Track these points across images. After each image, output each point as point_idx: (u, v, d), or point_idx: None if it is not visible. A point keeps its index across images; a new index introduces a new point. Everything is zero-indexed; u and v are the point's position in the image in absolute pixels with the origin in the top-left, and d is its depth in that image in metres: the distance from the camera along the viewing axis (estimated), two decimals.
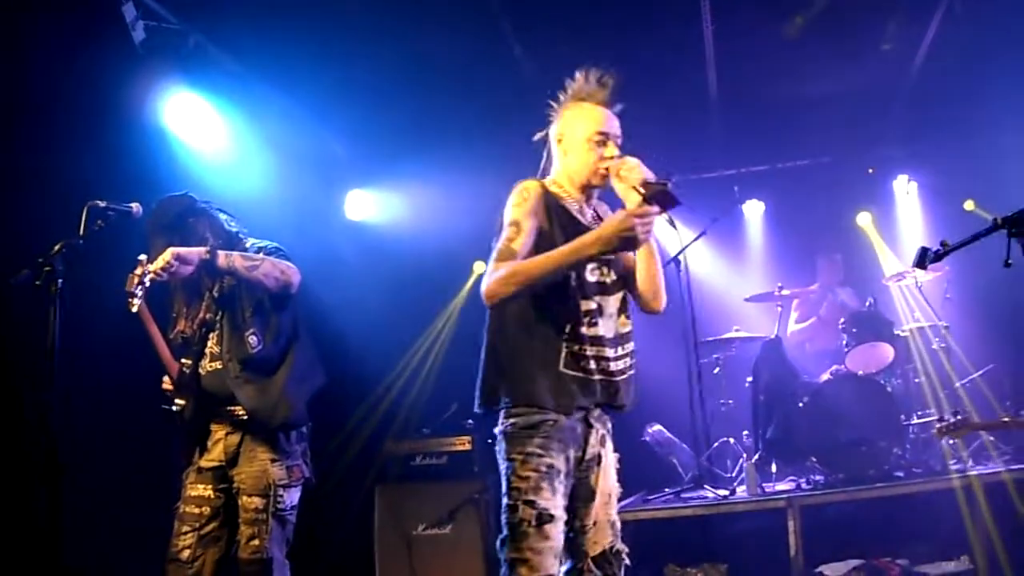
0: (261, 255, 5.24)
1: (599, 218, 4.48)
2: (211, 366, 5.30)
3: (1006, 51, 9.01)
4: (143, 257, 4.97)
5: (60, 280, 4.64)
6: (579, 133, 4.41)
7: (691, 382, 9.37)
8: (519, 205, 4.19)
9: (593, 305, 4.27)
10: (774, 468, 9.17)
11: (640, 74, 9.29)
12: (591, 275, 4.30)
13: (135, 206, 5.10)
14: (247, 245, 5.37)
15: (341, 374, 6.59)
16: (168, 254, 4.90)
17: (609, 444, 4.46)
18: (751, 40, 9.26)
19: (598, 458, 4.35)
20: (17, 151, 6.29)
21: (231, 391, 5.21)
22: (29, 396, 5.66)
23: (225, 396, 5.24)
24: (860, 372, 9.00)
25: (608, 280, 4.38)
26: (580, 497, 4.28)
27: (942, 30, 9.12)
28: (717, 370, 10.28)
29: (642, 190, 4.03)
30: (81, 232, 4.84)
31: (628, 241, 3.99)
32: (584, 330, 4.20)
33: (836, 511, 8.41)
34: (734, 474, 9.48)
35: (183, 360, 5.36)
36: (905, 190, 11.77)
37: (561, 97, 4.53)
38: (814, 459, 8.57)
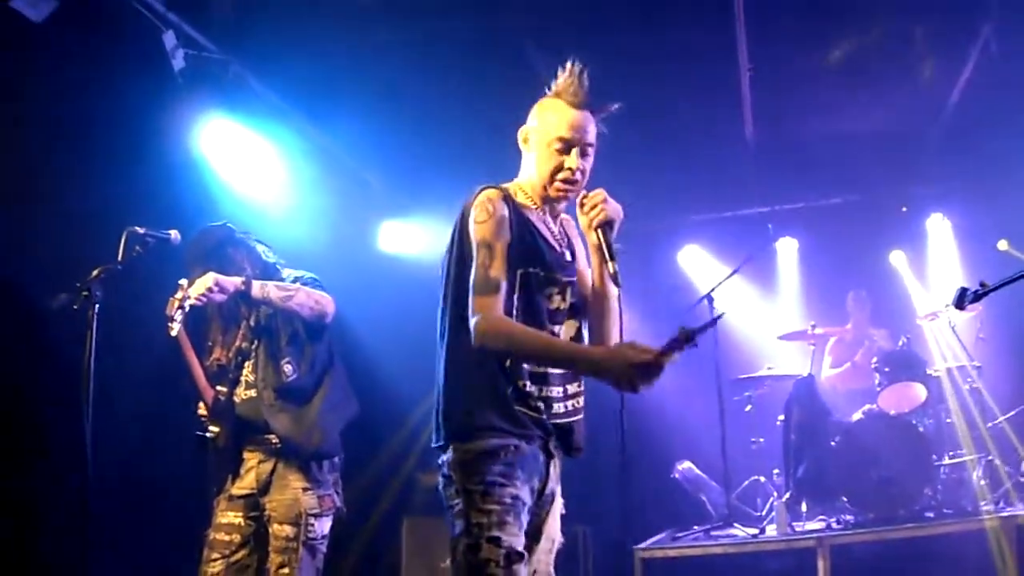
0: (297, 285, 5.28)
1: (566, 235, 4.01)
2: (246, 394, 5.33)
3: None
4: (183, 282, 5.01)
5: (97, 305, 4.68)
6: (541, 135, 3.83)
7: (722, 420, 9.33)
8: (485, 223, 3.64)
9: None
10: (804, 507, 9.11)
11: (678, 111, 9.41)
12: (549, 301, 3.82)
13: (174, 233, 5.14)
14: (284, 275, 5.40)
15: (373, 404, 6.59)
16: (209, 279, 4.95)
17: (559, 486, 3.94)
18: (787, 78, 9.27)
19: (552, 496, 3.88)
20: (57, 176, 6.34)
21: (265, 419, 5.23)
22: (64, 420, 5.67)
23: (259, 424, 5.26)
24: (892, 412, 8.94)
25: (564, 306, 3.88)
26: (527, 536, 3.66)
27: (977, 68, 9.11)
28: (749, 408, 10.25)
29: (669, 349, 3.38)
30: (120, 258, 4.87)
31: (622, 387, 3.41)
32: (526, 365, 3.68)
33: (866, 551, 8.34)
34: (764, 513, 9.43)
35: (218, 387, 5.39)
36: (939, 228, 11.71)
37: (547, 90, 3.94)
38: (845, 499, 8.51)
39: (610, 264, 3.70)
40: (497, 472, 3.54)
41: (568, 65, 3.84)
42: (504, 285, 3.59)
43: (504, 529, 3.48)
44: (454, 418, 3.67)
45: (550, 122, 3.80)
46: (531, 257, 3.72)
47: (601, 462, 8.60)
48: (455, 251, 3.76)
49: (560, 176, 3.77)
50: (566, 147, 3.75)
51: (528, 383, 3.68)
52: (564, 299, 3.86)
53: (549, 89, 3.89)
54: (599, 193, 3.78)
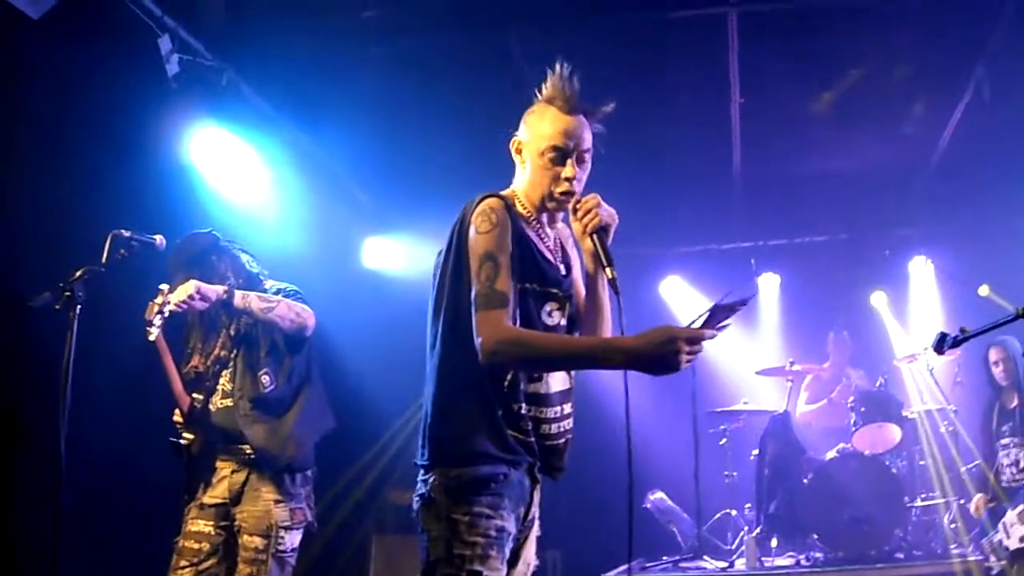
0: (279, 297, 5.26)
1: (561, 247, 3.83)
2: (222, 403, 5.31)
3: None
4: (165, 286, 4.98)
5: (79, 306, 4.67)
6: (534, 145, 3.65)
7: (696, 451, 9.34)
8: (488, 234, 3.44)
9: None
10: (775, 543, 9.14)
11: (666, 144, 9.44)
12: (549, 317, 3.65)
13: (159, 238, 5.12)
14: (267, 286, 5.39)
15: (350, 420, 6.58)
16: (191, 286, 4.93)
17: (539, 509, 3.78)
18: (777, 115, 9.32)
19: (532, 521, 3.73)
20: (46, 175, 6.32)
21: (240, 429, 5.21)
22: (41, 420, 5.66)
23: (234, 434, 5.24)
24: (867, 451, 8.98)
25: (562, 322, 3.72)
26: (506, 562, 3.52)
27: (967, 115, 9.16)
28: (724, 441, 10.25)
29: (705, 315, 3.38)
30: (104, 260, 4.86)
31: (665, 367, 3.30)
32: (523, 386, 3.53)
33: None
34: (734, 547, 9.45)
35: (195, 395, 5.36)
36: (921, 271, 11.76)
37: (534, 98, 3.77)
38: (816, 536, 8.54)
39: (608, 270, 3.57)
40: (485, 503, 3.39)
41: (556, 68, 3.67)
42: (512, 299, 3.40)
43: (486, 564, 3.35)
44: (444, 441, 3.49)
45: (543, 131, 3.62)
46: (529, 272, 3.56)
47: (573, 488, 8.60)
48: (452, 262, 3.56)
49: (557, 189, 3.61)
50: (561, 157, 3.59)
51: (523, 405, 3.52)
52: (563, 314, 3.71)
53: (538, 95, 3.73)
54: (593, 198, 3.63)
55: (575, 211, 3.64)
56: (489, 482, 3.41)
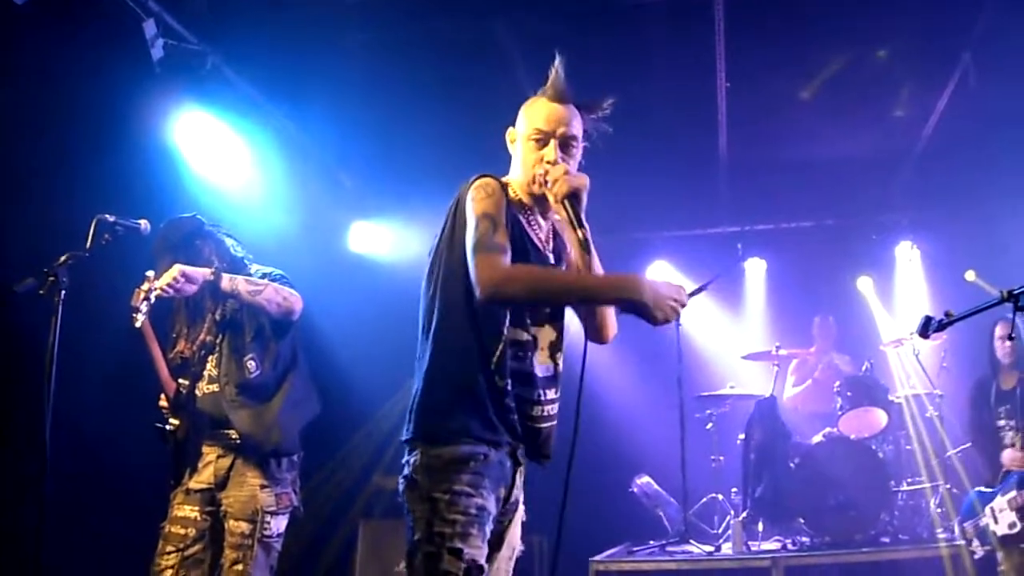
0: (265, 281, 5.26)
1: (555, 237, 3.88)
2: (208, 388, 5.31)
3: (1016, 124, 9.04)
4: (150, 273, 4.96)
5: (63, 291, 4.65)
6: (522, 131, 3.77)
7: (683, 436, 9.34)
8: (486, 199, 3.51)
9: (527, 336, 3.65)
10: (761, 527, 9.14)
11: (652, 128, 9.42)
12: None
13: (143, 223, 5.11)
14: (252, 271, 5.38)
15: (336, 405, 6.56)
16: (175, 270, 4.92)
17: (523, 493, 3.85)
18: (763, 100, 9.31)
19: (516, 504, 3.80)
20: (27, 158, 6.29)
21: (226, 414, 5.22)
22: (25, 405, 5.64)
23: (220, 419, 5.25)
24: (853, 436, 8.99)
25: (545, 311, 3.75)
26: (489, 544, 3.54)
27: (954, 100, 9.16)
28: (710, 426, 10.25)
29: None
30: (88, 245, 4.84)
31: (663, 314, 3.39)
32: (511, 363, 3.56)
33: (821, 573, 8.37)
34: (720, 531, 9.46)
35: (180, 380, 5.36)
36: (908, 256, 11.76)
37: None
38: (802, 520, 8.54)
39: (579, 231, 3.58)
40: (465, 481, 3.41)
41: (554, 64, 3.75)
42: (508, 252, 3.43)
43: (467, 541, 3.35)
44: (428, 415, 3.53)
45: (530, 118, 3.73)
46: (517, 255, 3.52)
47: (559, 471, 8.61)
48: (446, 232, 3.64)
49: (539, 171, 3.65)
50: (544, 139, 3.67)
51: (510, 383, 3.55)
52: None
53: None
54: (559, 167, 3.62)
55: (543, 183, 3.65)
56: (469, 461, 3.43)
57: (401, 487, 3.54)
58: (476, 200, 3.51)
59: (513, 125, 3.83)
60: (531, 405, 3.65)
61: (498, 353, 3.53)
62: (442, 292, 3.60)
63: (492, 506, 3.50)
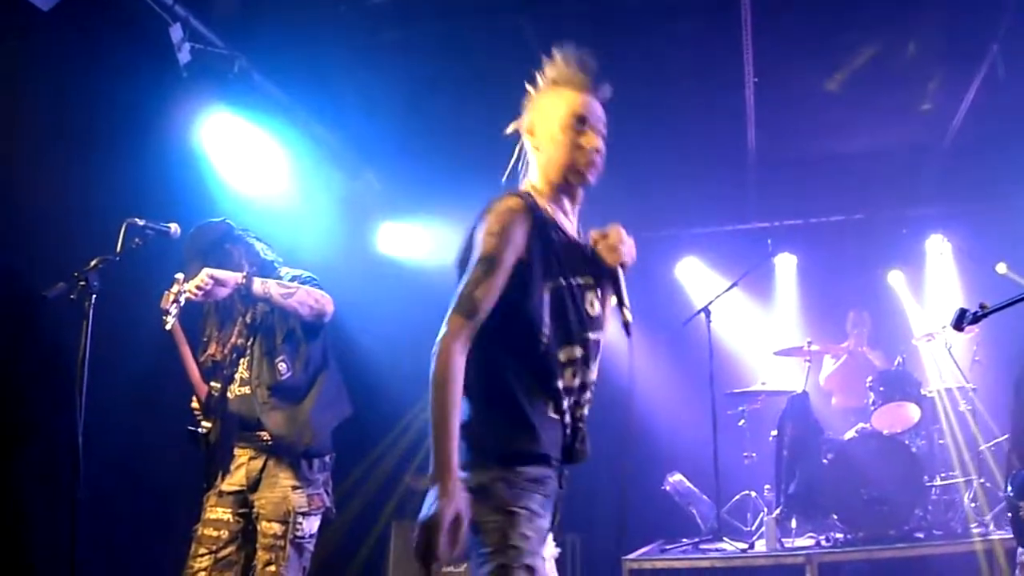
0: (296, 284, 5.27)
1: (579, 232, 3.72)
2: (240, 391, 5.33)
3: None
4: (180, 276, 4.98)
5: (94, 296, 4.67)
6: (553, 121, 3.59)
7: (715, 433, 9.30)
8: (497, 235, 3.35)
9: (579, 352, 3.51)
10: (794, 524, 9.11)
11: (680, 124, 9.41)
12: (590, 307, 3.58)
13: (173, 226, 5.14)
14: (281, 274, 5.40)
15: (366, 406, 6.58)
16: (204, 274, 4.93)
17: None
18: (791, 94, 9.27)
19: (554, 529, 3.61)
20: (58, 165, 6.32)
21: (258, 416, 5.23)
22: (57, 410, 5.66)
23: (251, 421, 5.26)
24: (885, 431, 8.95)
25: (599, 312, 3.63)
26: None
27: (982, 92, 9.10)
28: (742, 422, 10.24)
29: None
30: (118, 249, 4.86)
31: (428, 522, 3.13)
32: (568, 380, 3.47)
33: (855, 570, 8.35)
34: (753, 528, 9.44)
35: (212, 383, 5.37)
36: (938, 250, 11.68)
37: (536, 84, 3.75)
38: (835, 516, 8.51)
39: (626, 312, 3.56)
40: (538, 502, 3.35)
41: (563, 52, 3.66)
42: (485, 310, 3.31)
43: (535, 560, 3.27)
44: (488, 440, 3.37)
45: (561, 104, 3.60)
46: (564, 266, 3.49)
47: (593, 471, 8.60)
48: (463, 254, 3.49)
49: (583, 159, 3.56)
50: (584, 125, 3.56)
51: (564, 397, 3.46)
52: (599, 305, 3.62)
53: (541, 81, 3.72)
54: (618, 231, 3.60)
55: (596, 242, 3.60)
56: (542, 481, 3.38)
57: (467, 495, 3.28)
58: (487, 234, 3.39)
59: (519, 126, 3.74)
60: (581, 412, 3.56)
61: (562, 370, 3.46)
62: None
63: (547, 528, 3.46)
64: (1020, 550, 7.12)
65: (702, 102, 9.32)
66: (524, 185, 3.68)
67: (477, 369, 3.37)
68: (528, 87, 3.75)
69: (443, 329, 3.27)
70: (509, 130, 3.76)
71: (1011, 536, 7.64)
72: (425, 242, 10.89)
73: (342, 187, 9.47)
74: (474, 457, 3.35)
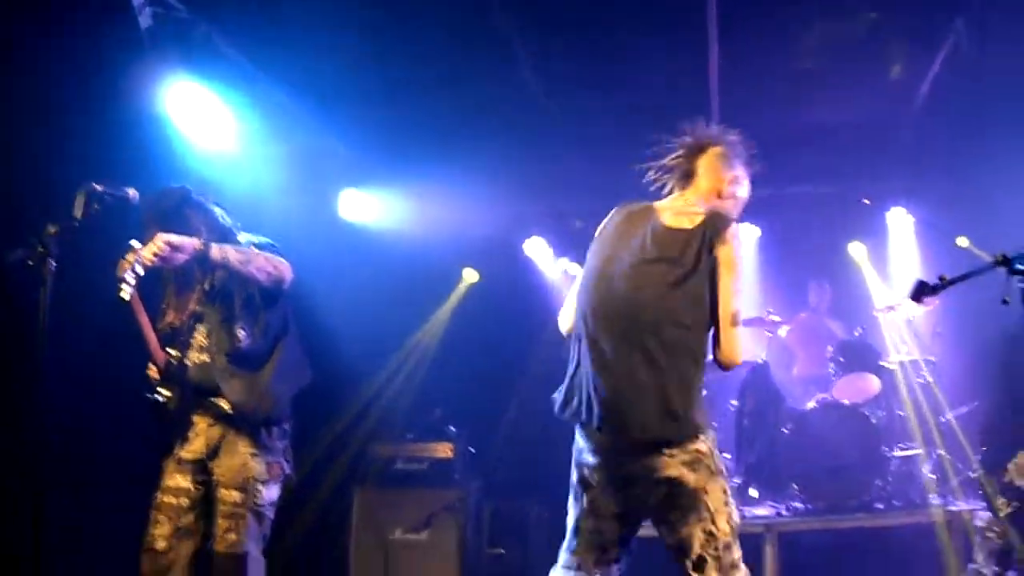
0: (255, 250, 5.23)
1: None
2: (198, 358, 5.30)
3: (1009, 91, 9.00)
4: (136, 243, 4.92)
5: (53, 262, 4.62)
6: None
7: None
8: (743, 263, 4.51)
9: None
10: (754, 493, 9.17)
11: (642, 92, 9.37)
12: None
13: (132, 192, 5.05)
14: (241, 239, 5.35)
15: (327, 373, 6.54)
16: (159, 240, 4.87)
17: None
18: (755, 64, 9.25)
19: None
20: (15, 128, 6.25)
21: (217, 384, 5.21)
22: (14, 378, 5.62)
23: (210, 388, 5.23)
24: (846, 401, 9.00)
25: None
26: None
27: (946, 67, 9.11)
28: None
29: None
30: (77, 214, 4.80)
31: None
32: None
33: (814, 539, 8.40)
34: None
35: (170, 351, 5.33)
36: (901, 222, 11.72)
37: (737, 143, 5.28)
38: (795, 486, 8.57)
39: None
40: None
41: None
42: None
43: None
44: (696, 414, 4.32)
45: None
46: None
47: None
48: (693, 260, 4.42)
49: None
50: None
51: None
52: None
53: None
54: None
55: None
56: None
57: (685, 468, 4.28)
58: (742, 260, 4.49)
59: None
60: None
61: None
62: (694, 313, 4.35)
63: None
64: (979, 515, 7.19)
65: (665, 72, 9.28)
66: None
67: (696, 355, 4.42)
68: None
69: (733, 347, 4.40)
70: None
71: (969, 507, 7.73)
72: (387, 210, 10.85)
73: (303, 153, 9.41)
74: (690, 428, 4.35)
